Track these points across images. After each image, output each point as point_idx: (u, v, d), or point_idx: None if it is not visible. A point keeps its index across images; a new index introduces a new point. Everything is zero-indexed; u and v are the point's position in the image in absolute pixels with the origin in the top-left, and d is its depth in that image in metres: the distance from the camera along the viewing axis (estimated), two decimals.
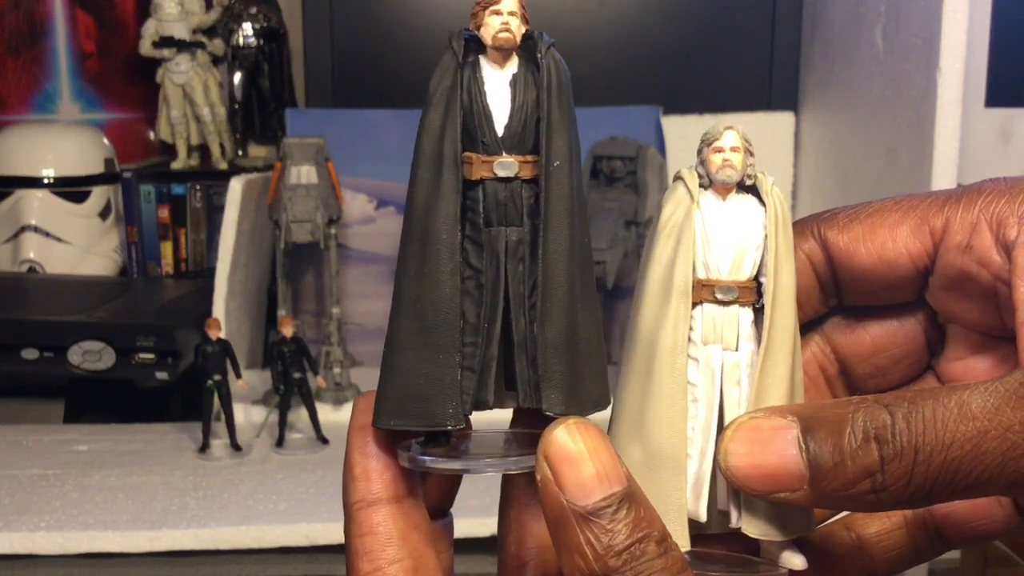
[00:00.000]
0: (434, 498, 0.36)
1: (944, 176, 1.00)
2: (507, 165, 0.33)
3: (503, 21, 0.32)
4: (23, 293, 1.34)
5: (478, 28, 0.33)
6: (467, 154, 0.33)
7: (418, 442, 0.34)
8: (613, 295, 1.28)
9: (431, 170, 0.32)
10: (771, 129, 1.45)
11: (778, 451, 0.30)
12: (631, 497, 0.29)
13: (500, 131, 0.33)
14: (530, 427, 0.34)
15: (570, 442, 0.30)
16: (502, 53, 0.33)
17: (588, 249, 0.34)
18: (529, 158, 0.33)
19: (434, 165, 0.32)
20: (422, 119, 0.33)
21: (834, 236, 0.37)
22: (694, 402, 0.33)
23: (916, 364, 0.39)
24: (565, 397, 0.33)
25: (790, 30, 1.45)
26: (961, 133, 1.00)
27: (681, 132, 1.41)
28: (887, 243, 0.36)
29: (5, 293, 1.33)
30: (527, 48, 0.34)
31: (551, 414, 0.33)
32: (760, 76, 1.47)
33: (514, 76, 0.33)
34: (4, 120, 1.54)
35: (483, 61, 0.33)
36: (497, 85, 0.33)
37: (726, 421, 0.33)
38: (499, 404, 0.34)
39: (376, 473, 0.33)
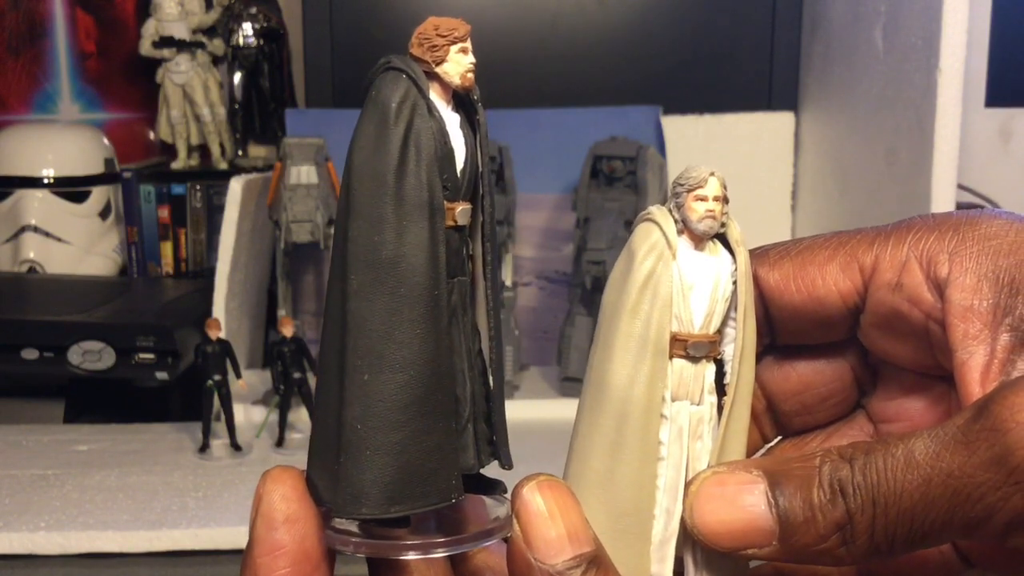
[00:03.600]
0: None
1: (944, 176, 1.00)
2: (466, 212, 0.31)
3: (471, 61, 0.30)
4: (23, 293, 1.34)
5: (437, 62, 0.30)
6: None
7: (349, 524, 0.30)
8: None
9: (411, 218, 0.29)
10: (771, 129, 1.45)
11: (746, 507, 0.30)
12: (599, 561, 0.29)
13: (458, 176, 0.31)
14: None
15: (540, 500, 0.29)
16: (450, 93, 0.31)
17: None
18: (470, 204, 0.31)
19: (415, 212, 0.29)
20: (380, 154, 0.29)
21: (765, 273, 0.36)
22: (661, 461, 0.32)
23: (843, 403, 0.38)
24: (508, 451, 0.32)
25: (790, 30, 1.45)
26: (961, 133, 1.00)
27: (681, 132, 1.41)
28: (816, 280, 0.35)
29: (5, 293, 1.33)
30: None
31: (506, 469, 0.32)
32: (760, 76, 1.47)
33: (461, 119, 0.31)
34: (4, 120, 1.54)
35: (435, 99, 0.30)
36: (453, 127, 0.31)
37: (689, 475, 0.32)
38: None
39: None
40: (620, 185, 1.22)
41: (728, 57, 1.47)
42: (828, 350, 0.37)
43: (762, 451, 0.39)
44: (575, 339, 1.19)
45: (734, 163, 1.43)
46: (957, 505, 0.28)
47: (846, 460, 0.29)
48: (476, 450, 0.32)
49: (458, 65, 0.30)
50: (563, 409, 1.13)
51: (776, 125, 1.45)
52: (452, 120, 0.31)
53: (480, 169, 0.31)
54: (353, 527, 0.31)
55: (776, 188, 1.45)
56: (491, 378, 0.32)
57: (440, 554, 0.31)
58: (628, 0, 1.47)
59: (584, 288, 1.19)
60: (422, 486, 0.29)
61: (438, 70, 0.30)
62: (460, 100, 0.31)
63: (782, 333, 0.37)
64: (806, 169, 1.43)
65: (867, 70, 1.19)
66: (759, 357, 0.37)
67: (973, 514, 0.28)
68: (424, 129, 0.30)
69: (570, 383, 1.18)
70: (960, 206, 1.08)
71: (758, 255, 0.36)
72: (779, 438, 0.39)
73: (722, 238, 0.33)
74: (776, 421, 0.39)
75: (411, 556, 0.31)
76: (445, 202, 0.30)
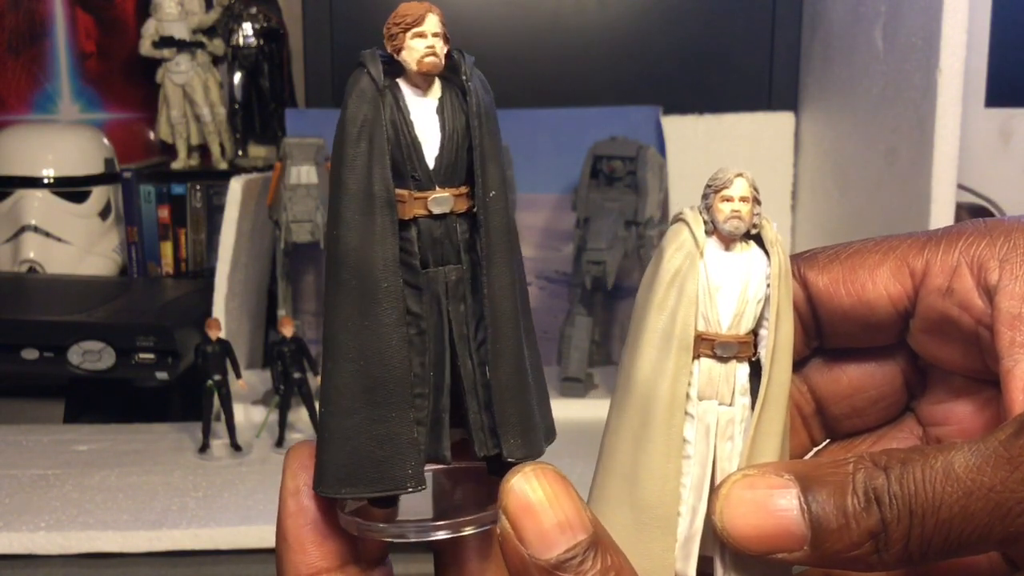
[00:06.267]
0: (371, 547, 0.34)
1: (944, 176, 1.00)
2: (442, 201, 0.30)
3: (428, 45, 0.30)
4: (23, 293, 1.34)
5: (397, 52, 0.30)
6: (398, 192, 0.30)
7: (359, 504, 0.32)
8: (613, 295, 1.28)
9: (361, 212, 0.30)
10: (771, 129, 1.45)
11: (777, 511, 0.30)
12: (597, 544, 0.28)
13: (431, 163, 0.30)
14: (470, 460, 0.32)
15: (529, 491, 0.29)
16: (425, 78, 0.30)
17: (524, 279, 0.32)
18: (462, 190, 0.31)
19: (364, 206, 0.30)
20: (339, 152, 0.30)
21: (814, 276, 0.36)
22: (687, 459, 0.32)
23: (894, 406, 0.38)
24: (526, 440, 0.31)
25: (790, 30, 1.45)
26: (961, 133, 1.00)
27: (681, 132, 1.41)
28: (867, 284, 0.35)
29: (5, 293, 1.33)
30: (448, 68, 0.31)
31: (512, 460, 0.31)
32: (760, 76, 1.47)
33: (440, 102, 0.30)
34: (4, 120, 1.54)
35: (404, 86, 0.30)
36: (423, 113, 0.30)
37: (717, 477, 0.32)
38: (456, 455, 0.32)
39: (312, 544, 0.32)
40: (620, 185, 1.22)
41: (728, 57, 1.47)
42: (879, 353, 0.37)
43: (811, 454, 0.39)
44: (575, 339, 1.19)
45: (734, 163, 1.42)
46: (997, 519, 0.28)
47: (881, 468, 0.29)
48: (457, 440, 0.31)
49: (413, 51, 0.30)
50: (563, 409, 1.12)
51: (776, 125, 1.45)
52: (423, 107, 0.30)
53: (476, 152, 0.30)
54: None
55: (776, 188, 1.45)
56: (488, 368, 0.31)
57: (439, 536, 0.31)
58: (628, 0, 1.47)
59: (584, 288, 1.19)
60: (373, 472, 0.30)
61: (399, 59, 0.30)
62: (453, 82, 0.31)
63: (831, 337, 0.37)
64: (806, 169, 1.43)
65: (867, 70, 1.19)
66: (807, 360, 0.38)
67: (1013, 528, 0.28)
68: (376, 123, 0.30)
69: (570, 383, 1.18)
70: (960, 206, 1.08)
71: (807, 259, 0.36)
72: (827, 441, 0.39)
73: (760, 239, 0.33)
74: (825, 424, 0.39)
75: (410, 539, 0.32)
76: (413, 192, 0.30)
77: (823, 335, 0.37)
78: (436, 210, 0.30)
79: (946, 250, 0.34)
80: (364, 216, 0.30)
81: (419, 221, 0.30)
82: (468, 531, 0.31)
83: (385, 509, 0.32)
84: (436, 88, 0.31)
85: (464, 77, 0.31)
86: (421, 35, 0.30)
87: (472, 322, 0.31)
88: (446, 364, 0.31)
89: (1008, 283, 0.32)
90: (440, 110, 0.30)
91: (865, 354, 0.38)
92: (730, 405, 0.32)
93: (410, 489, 0.30)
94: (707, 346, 0.32)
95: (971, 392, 0.36)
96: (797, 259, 0.36)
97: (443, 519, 0.31)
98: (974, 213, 1.19)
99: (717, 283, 0.32)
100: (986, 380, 0.35)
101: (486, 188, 0.31)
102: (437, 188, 0.30)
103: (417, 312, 0.31)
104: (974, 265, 0.33)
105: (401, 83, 0.30)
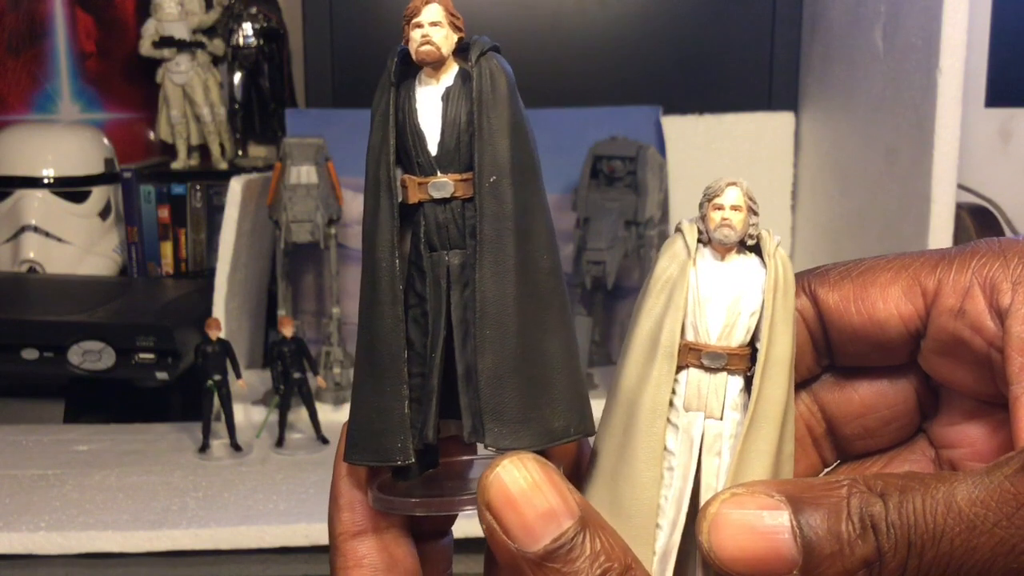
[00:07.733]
0: (433, 519, 0.35)
1: (944, 176, 1.00)
2: (441, 186, 0.31)
3: (423, 34, 0.31)
4: (23, 293, 1.34)
5: (406, 43, 0.31)
6: (404, 177, 0.31)
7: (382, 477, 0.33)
8: (613, 295, 1.28)
9: (372, 195, 0.31)
10: (771, 129, 1.45)
11: (767, 533, 0.28)
12: (586, 528, 0.28)
13: (433, 150, 0.31)
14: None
15: (509, 482, 0.28)
16: (433, 66, 0.31)
17: (549, 265, 0.32)
18: (467, 176, 0.31)
19: (374, 190, 0.31)
20: (368, 143, 0.32)
21: (824, 294, 0.35)
22: (669, 470, 0.31)
23: (907, 427, 0.37)
24: (514, 429, 0.30)
25: (790, 30, 1.45)
26: (961, 133, 1.00)
27: (681, 132, 1.41)
28: (878, 303, 0.34)
29: (5, 293, 1.33)
30: (463, 55, 0.31)
31: (493, 449, 0.30)
32: (760, 76, 1.47)
33: (447, 90, 0.31)
34: (4, 120, 1.54)
35: (418, 77, 0.31)
36: (429, 101, 0.31)
37: (702, 493, 0.31)
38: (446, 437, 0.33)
39: (361, 503, 0.33)
40: (620, 185, 1.22)
41: (728, 57, 1.47)
42: (891, 372, 0.37)
43: (822, 475, 0.38)
44: None
45: (734, 163, 1.43)
46: (1000, 555, 0.27)
47: (876, 494, 0.28)
48: (437, 423, 0.32)
49: (412, 42, 0.31)
50: None
51: (776, 125, 1.45)
52: (429, 96, 0.31)
53: (475, 138, 0.31)
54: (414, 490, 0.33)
55: (776, 188, 1.45)
56: (478, 353, 0.31)
57: (406, 512, 0.32)
58: (628, 0, 1.47)
59: (584, 288, 1.19)
60: (372, 443, 0.32)
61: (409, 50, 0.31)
62: (464, 71, 0.32)
63: (842, 355, 0.36)
64: (806, 169, 1.43)
65: (867, 70, 1.19)
66: (817, 378, 0.37)
67: (1016, 565, 0.28)
68: (386, 113, 0.31)
69: None
70: (960, 206, 1.08)
71: (818, 275, 0.35)
72: (838, 462, 0.38)
73: (760, 252, 0.32)
74: (836, 444, 0.38)
75: (419, 512, 0.32)
76: (417, 178, 0.31)
77: (834, 353, 0.36)
78: (436, 195, 0.31)
79: (959, 270, 0.33)
80: (373, 200, 0.32)
81: (424, 206, 0.31)
82: (467, 509, 0.31)
83: (407, 482, 0.32)
84: (448, 76, 0.31)
85: (470, 63, 0.31)
86: (418, 25, 0.31)
87: (473, 305, 0.31)
88: (439, 346, 0.31)
89: (1020, 307, 0.31)
90: (446, 97, 0.31)
91: (877, 373, 0.37)
92: (719, 419, 0.31)
93: (398, 462, 0.31)
94: (695, 356, 0.31)
95: (984, 414, 0.35)
96: (808, 275, 0.36)
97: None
98: (974, 213, 1.19)
99: (708, 293, 0.31)
100: (999, 403, 0.34)
101: (483, 174, 0.31)
102: (438, 173, 0.31)
103: (422, 293, 0.32)
104: (987, 286, 0.32)
105: (419, 74, 0.32)
